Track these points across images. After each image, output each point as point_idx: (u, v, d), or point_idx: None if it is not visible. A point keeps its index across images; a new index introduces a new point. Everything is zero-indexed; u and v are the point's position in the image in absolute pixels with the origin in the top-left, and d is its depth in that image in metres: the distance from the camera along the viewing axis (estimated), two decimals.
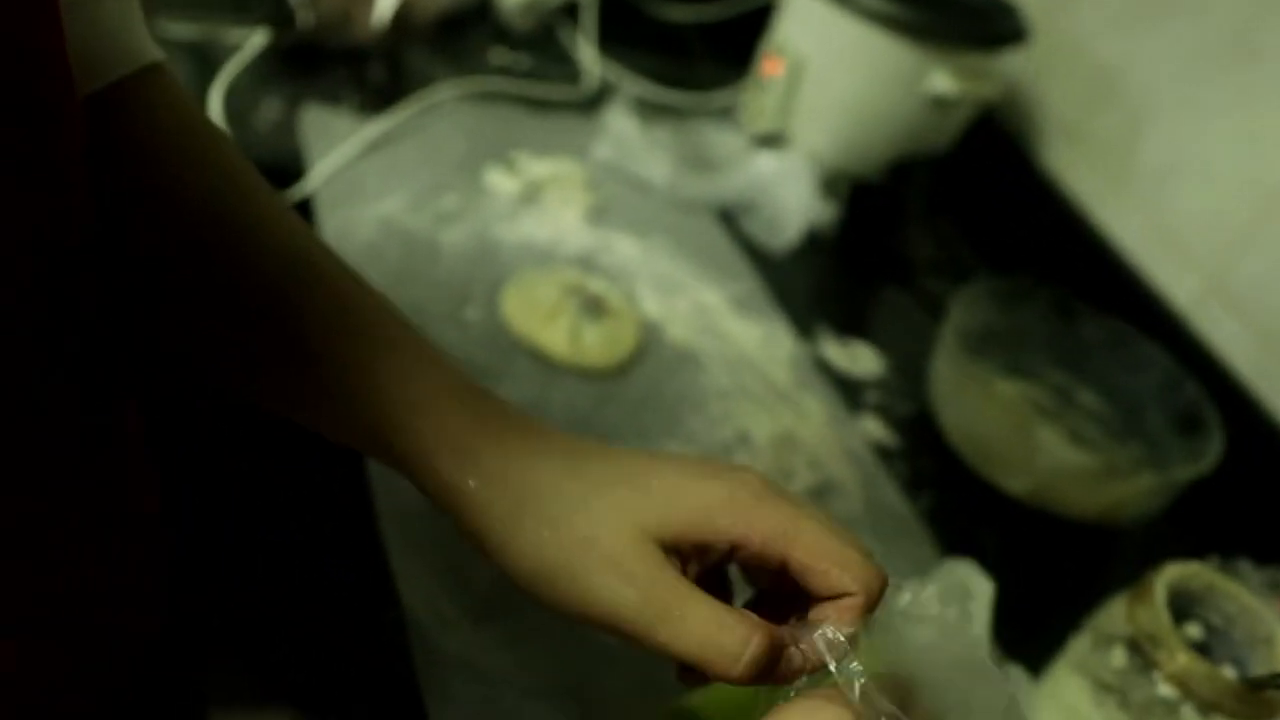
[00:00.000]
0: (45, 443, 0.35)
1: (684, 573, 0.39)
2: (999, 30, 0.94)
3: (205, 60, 0.89)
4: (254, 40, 0.88)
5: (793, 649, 0.38)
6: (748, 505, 0.39)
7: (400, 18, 0.95)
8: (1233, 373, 0.83)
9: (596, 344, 0.75)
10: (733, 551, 0.39)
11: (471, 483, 0.40)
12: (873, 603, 0.38)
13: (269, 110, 0.87)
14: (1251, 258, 0.84)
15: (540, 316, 0.75)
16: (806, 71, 0.96)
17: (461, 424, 0.41)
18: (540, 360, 0.74)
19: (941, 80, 0.92)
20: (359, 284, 0.44)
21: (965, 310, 0.78)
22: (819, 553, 0.38)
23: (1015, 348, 0.84)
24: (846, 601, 0.38)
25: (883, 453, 0.77)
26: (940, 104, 0.94)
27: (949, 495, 0.75)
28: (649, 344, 0.79)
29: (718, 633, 0.36)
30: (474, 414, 0.41)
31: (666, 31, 1.16)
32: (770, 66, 0.98)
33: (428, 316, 0.74)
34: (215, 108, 0.82)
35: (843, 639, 0.38)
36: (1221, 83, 0.88)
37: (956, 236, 1.04)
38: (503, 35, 1.07)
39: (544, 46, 1.08)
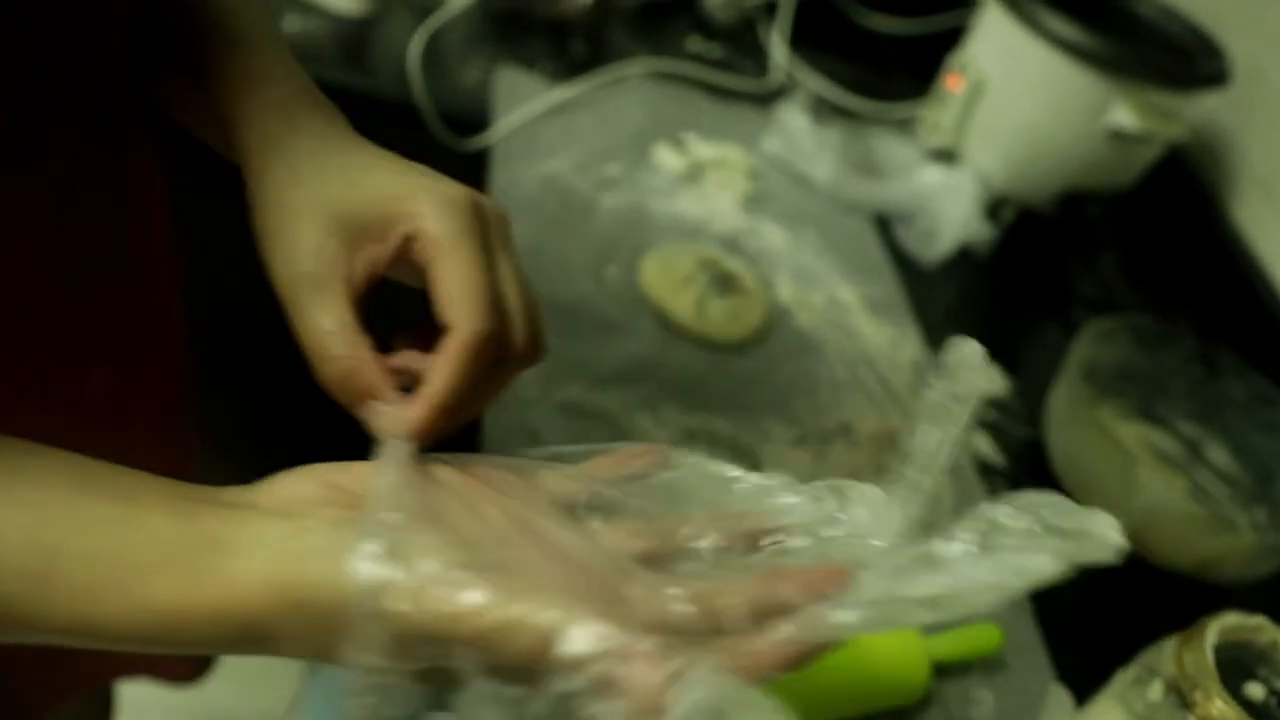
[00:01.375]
0: None
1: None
2: (1195, 69, 0.91)
3: (426, 10, 0.98)
4: (459, 3, 0.96)
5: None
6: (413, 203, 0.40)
7: None
8: None
9: (720, 317, 0.79)
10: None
11: (257, 167, 0.43)
12: (469, 352, 0.38)
13: (469, 65, 0.95)
14: None
15: (673, 283, 0.79)
16: (987, 91, 0.96)
17: (263, 116, 0.44)
18: (665, 324, 0.78)
19: (1124, 115, 0.90)
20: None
21: (1095, 342, 0.77)
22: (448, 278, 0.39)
23: (1150, 391, 0.83)
24: (449, 345, 0.39)
25: (985, 470, 0.78)
26: (1121, 139, 0.93)
27: None
28: (775, 327, 0.82)
29: (317, 347, 0.39)
30: (279, 109, 0.45)
31: (860, 38, 1.18)
32: (952, 82, 0.99)
33: (571, 267, 0.80)
34: (415, 52, 0.90)
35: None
36: None
37: (1119, 276, 1.02)
38: (702, 25, 1.12)
39: (738, 39, 1.12)
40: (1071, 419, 0.76)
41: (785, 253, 0.89)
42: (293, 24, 0.93)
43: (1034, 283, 0.99)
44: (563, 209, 0.84)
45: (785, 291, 0.85)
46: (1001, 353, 0.88)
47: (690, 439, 0.71)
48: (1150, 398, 0.83)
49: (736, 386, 0.77)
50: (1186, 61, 0.92)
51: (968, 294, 0.94)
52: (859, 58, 1.15)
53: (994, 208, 0.99)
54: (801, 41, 1.11)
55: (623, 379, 0.73)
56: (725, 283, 0.80)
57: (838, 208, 0.96)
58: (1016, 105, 0.95)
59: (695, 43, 1.09)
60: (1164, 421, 0.83)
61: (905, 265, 0.93)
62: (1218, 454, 0.82)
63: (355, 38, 0.94)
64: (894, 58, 1.17)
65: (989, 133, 0.98)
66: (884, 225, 0.97)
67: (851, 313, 0.86)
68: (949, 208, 0.96)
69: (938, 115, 1.00)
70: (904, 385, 0.81)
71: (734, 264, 0.83)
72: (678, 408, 0.73)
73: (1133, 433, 0.82)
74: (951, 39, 1.10)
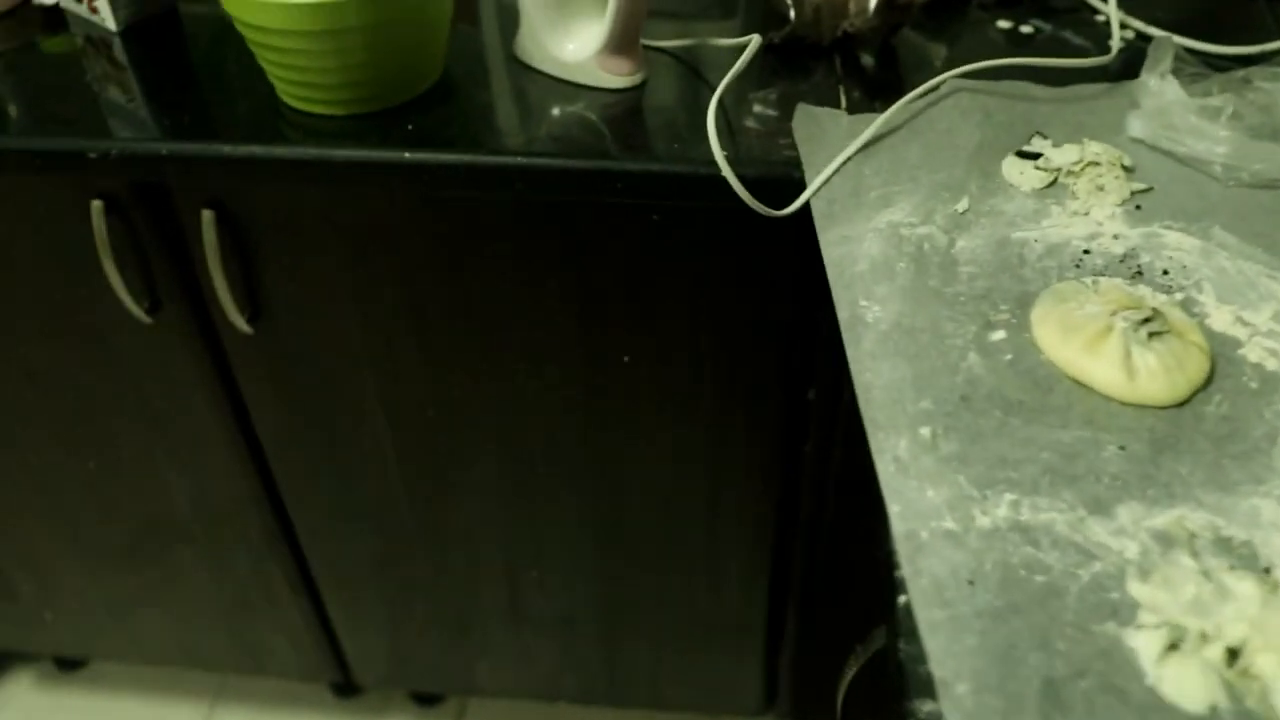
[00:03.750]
0: None
1: None
2: None
3: (696, 69, 0.86)
4: (748, 49, 0.84)
5: None
6: None
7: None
8: None
9: (1156, 373, 0.62)
10: None
11: None
12: None
13: (759, 120, 0.82)
14: None
15: (1083, 340, 0.63)
16: None
17: None
18: (1087, 393, 0.63)
19: None
20: None
21: None
22: None
23: None
24: None
25: None
26: None
27: None
28: (1221, 368, 0.64)
29: None
30: None
31: None
32: None
33: (948, 341, 0.65)
34: (713, 125, 0.78)
35: None
36: None
37: None
38: (1005, 1, 0.95)
39: (1054, 6, 0.94)
40: None
41: (1200, 265, 0.71)
42: (553, 110, 0.83)
43: None
44: (917, 268, 0.70)
45: (1218, 318, 0.67)
46: None
47: (1167, 547, 0.55)
48: None
49: (1199, 460, 0.60)
50: None
51: None
52: None
53: None
54: None
55: (1057, 478, 0.58)
56: (1149, 325, 0.63)
57: (1247, 189, 0.76)
58: None
59: (1003, 22, 0.92)
60: None
61: None
62: None
63: (628, 113, 0.83)
64: None
65: None
66: None
67: None
68: None
69: None
70: None
71: (1150, 297, 0.66)
72: (1136, 506, 0.57)
73: None
74: None
